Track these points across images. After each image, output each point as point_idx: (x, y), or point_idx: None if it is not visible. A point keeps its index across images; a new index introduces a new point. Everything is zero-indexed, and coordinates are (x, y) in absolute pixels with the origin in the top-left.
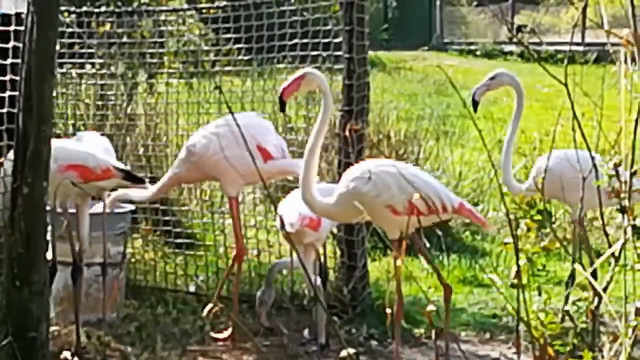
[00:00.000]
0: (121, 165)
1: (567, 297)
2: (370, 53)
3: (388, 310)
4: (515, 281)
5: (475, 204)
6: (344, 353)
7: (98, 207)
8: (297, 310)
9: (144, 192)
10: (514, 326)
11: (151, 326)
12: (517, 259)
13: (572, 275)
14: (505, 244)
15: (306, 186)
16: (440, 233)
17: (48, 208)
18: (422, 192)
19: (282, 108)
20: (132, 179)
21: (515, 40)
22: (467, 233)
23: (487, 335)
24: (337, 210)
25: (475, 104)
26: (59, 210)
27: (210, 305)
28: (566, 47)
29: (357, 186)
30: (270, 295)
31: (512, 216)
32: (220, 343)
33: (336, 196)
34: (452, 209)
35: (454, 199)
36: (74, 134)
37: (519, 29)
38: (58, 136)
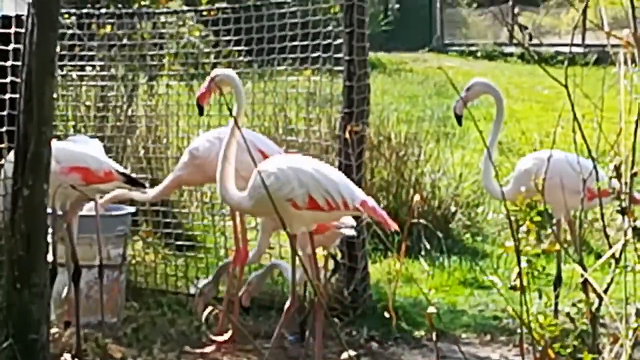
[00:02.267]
0: (123, 169)
1: (556, 298)
2: (371, 55)
3: (391, 312)
4: (516, 283)
5: (476, 206)
6: (344, 355)
7: (93, 209)
8: (297, 312)
9: (146, 193)
10: (514, 328)
11: (150, 328)
12: (518, 261)
13: (559, 276)
14: (506, 246)
15: (222, 180)
16: (440, 235)
17: (49, 210)
18: (322, 187)
19: (200, 112)
20: (133, 183)
21: (515, 41)
22: (468, 235)
23: (488, 337)
24: (251, 204)
25: (458, 118)
26: (60, 212)
27: (209, 308)
28: (566, 49)
29: (259, 178)
30: (211, 290)
31: (512, 218)
32: (219, 345)
33: (248, 190)
34: (354, 206)
35: (357, 196)
36: (66, 136)
37: (522, 26)
38: (58, 138)
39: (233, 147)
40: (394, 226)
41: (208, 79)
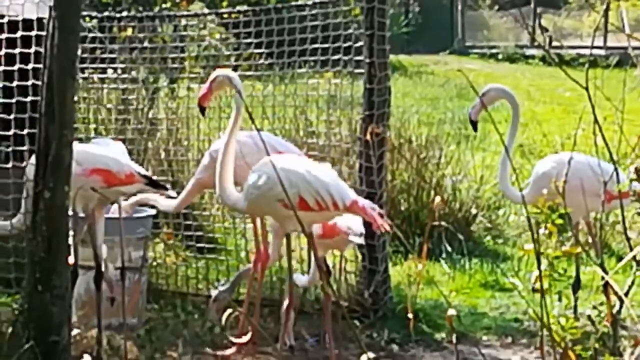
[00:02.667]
0: (144, 171)
1: (575, 301)
2: (392, 57)
3: (410, 316)
4: (537, 286)
5: (497, 208)
6: (364, 358)
7: (116, 211)
8: (318, 315)
9: (170, 202)
10: (535, 330)
11: (171, 330)
12: (538, 263)
13: (578, 279)
14: (526, 248)
15: (221, 181)
16: (461, 237)
17: (70, 212)
18: (312, 188)
19: (202, 113)
20: (155, 185)
21: (537, 44)
22: (489, 237)
23: (509, 340)
24: (245, 204)
25: (473, 124)
26: (82, 214)
27: (229, 310)
28: (588, 51)
29: (252, 179)
30: (226, 297)
31: (533, 220)
32: (239, 348)
33: (244, 190)
34: (344, 206)
35: (346, 197)
36: (88, 139)
37: (543, 28)
38: (80, 141)
39: (232, 148)
40: (385, 226)
41: (209, 79)
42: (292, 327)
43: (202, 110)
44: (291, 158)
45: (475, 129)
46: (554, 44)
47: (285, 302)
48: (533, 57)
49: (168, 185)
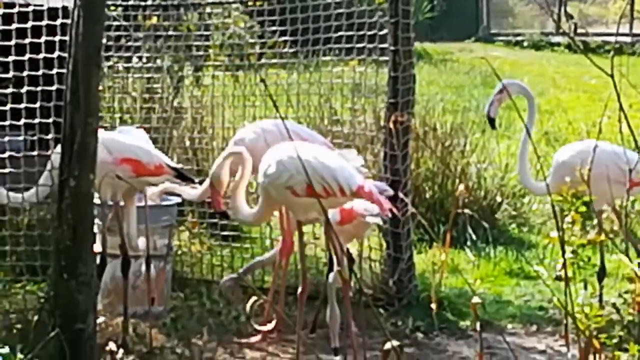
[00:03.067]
0: (173, 163)
1: (601, 289)
2: (417, 45)
3: (433, 306)
4: (561, 274)
5: (522, 196)
6: (387, 345)
7: (143, 200)
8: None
9: (194, 191)
10: (560, 319)
11: (196, 318)
12: (563, 251)
13: (603, 267)
14: (551, 236)
15: (234, 202)
16: (486, 225)
17: (98, 201)
18: (318, 174)
19: (226, 217)
20: (183, 177)
21: (562, 31)
22: (514, 225)
23: (534, 328)
24: (262, 194)
25: (491, 120)
26: (110, 203)
27: (254, 298)
28: (613, 38)
29: (262, 167)
30: (236, 286)
31: (557, 208)
32: (264, 335)
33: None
34: (350, 191)
35: (353, 182)
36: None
37: (568, 15)
38: (105, 129)
39: (244, 183)
40: (393, 209)
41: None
42: (315, 314)
43: (224, 214)
44: (298, 145)
45: (493, 126)
46: (580, 31)
47: (299, 289)
48: (559, 44)
49: (193, 175)
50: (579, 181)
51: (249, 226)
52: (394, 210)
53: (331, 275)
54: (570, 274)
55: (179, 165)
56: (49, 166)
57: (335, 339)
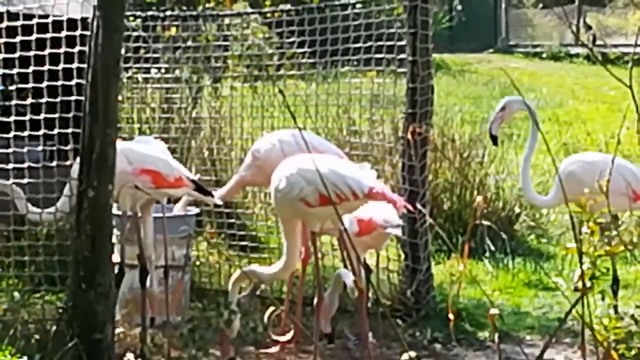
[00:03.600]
0: (192, 176)
1: (616, 300)
2: (435, 56)
3: (451, 316)
4: (579, 285)
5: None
6: (405, 356)
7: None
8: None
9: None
10: (579, 330)
11: (214, 329)
12: (581, 262)
13: (615, 278)
14: (569, 247)
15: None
16: (505, 236)
17: (118, 212)
18: (329, 182)
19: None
20: (202, 191)
21: (581, 42)
22: (532, 236)
23: (552, 339)
24: (278, 210)
25: (494, 138)
26: (129, 213)
27: (272, 308)
28: (632, 49)
29: (274, 183)
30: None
31: (575, 219)
32: (282, 346)
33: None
34: (363, 194)
35: (364, 185)
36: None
37: (587, 26)
38: (124, 140)
39: None
40: (407, 206)
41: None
42: (333, 325)
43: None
44: (306, 157)
45: (495, 143)
46: (599, 42)
47: (315, 300)
48: (577, 55)
49: (212, 186)
50: (580, 193)
51: (284, 278)
52: (409, 206)
53: (344, 272)
54: (588, 285)
55: (194, 173)
56: (67, 188)
57: (327, 325)
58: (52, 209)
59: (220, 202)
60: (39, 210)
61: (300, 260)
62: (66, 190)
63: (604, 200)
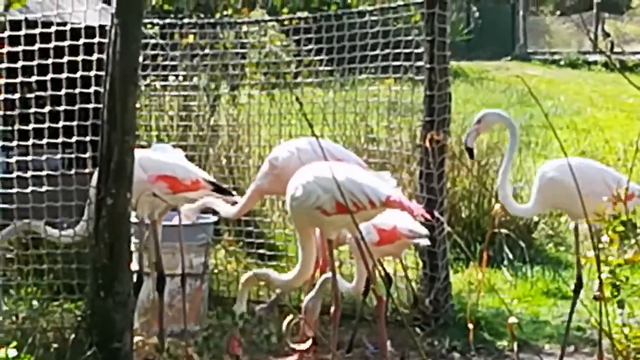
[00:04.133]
0: (210, 177)
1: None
2: (453, 63)
3: (470, 325)
4: (598, 294)
5: (559, 215)
6: None
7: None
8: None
9: (230, 208)
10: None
11: (228, 336)
12: (599, 271)
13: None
14: (587, 256)
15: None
16: (523, 244)
17: (136, 220)
18: (346, 190)
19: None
20: (221, 191)
21: (599, 49)
22: (551, 245)
23: (572, 348)
24: (294, 218)
25: (469, 151)
26: (147, 221)
27: (290, 317)
28: None
29: (290, 191)
30: (316, 304)
31: (594, 228)
32: (301, 355)
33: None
34: (380, 202)
35: (381, 193)
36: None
37: (604, 33)
38: (141, 147)
39: None
40: (424, 214)
41: None
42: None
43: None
44: (323, 164)
45: (471, 156)
46: (617, 49)
47: (332, 309)
48: (595, 63)
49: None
50: (563, 199)
51: (298, 286)
52: (427, 215)
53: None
54: (607, 294)
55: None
56: (88, 201)
57: (309, 330)
58: (70, 232)
59: (237, 216)
60: (57, 232)
61: (317, 269)
62: (85, 215)
63: (587, 207)
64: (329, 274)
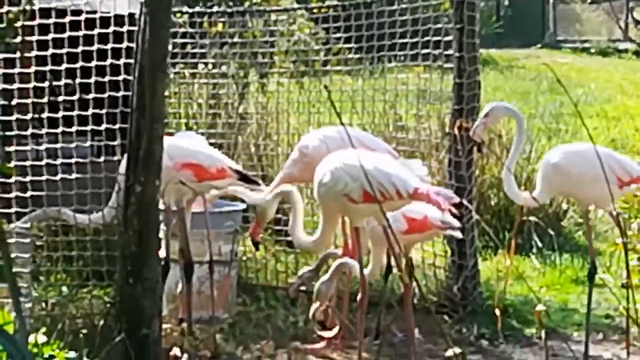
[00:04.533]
0: (236, 165)
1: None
2: (482, 51)
3: (498, 313)
4: (626, 282)
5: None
6: (449, 352)
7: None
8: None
9: (258, 196)
10: None
11: (261, 324)
12: (627, 259)
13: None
14: (616, 243)
15: (294, 231)
16: (552, 232)
17: (162, 207)
18: (374, 180)
19: (256, 247)
20: (247, 180)
21: (629, 37)
22: (580, 232)
23: (600, 336)
24: (321, 204)
25: (478, 145)
26: (174, 208)
27: (317, 304)
28: None
29: (317, 177)
30: (311, 276)
31: (623, 216)
32: (328, 342)
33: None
34: (407, 194)
35: (410, 185)
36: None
37: (636, 21)
38: (170, 135)
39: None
40: (451, 208)
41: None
42: (381, 321)
43: (256, 245)
44: (352, 152)
45: (480, 150)
46: None
47: (359, 296)
48: (626, 50)
49: (260, 182)
50: (570, 185)
51: (312, 252)
52: (453, 210)
53: (350, 262)
54: (636, 281)
55: (241, 167)
56: (116, 187)
57: (319, 312)
58: (99, 215)
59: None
60: (86, 218)
61: (345, 255)
62: (111, 202)
63: (593, 191)
64: (344, 259)
